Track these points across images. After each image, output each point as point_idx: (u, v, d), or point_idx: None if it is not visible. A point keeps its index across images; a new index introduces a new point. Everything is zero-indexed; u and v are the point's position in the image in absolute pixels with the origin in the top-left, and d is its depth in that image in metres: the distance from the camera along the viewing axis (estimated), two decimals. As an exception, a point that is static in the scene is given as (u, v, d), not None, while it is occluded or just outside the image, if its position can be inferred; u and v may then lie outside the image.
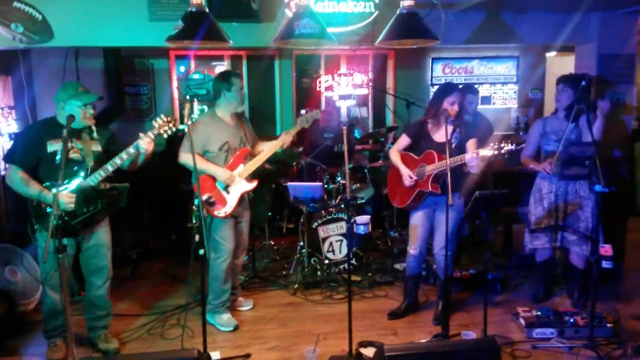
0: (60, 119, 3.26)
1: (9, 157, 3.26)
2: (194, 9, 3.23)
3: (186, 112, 3.10)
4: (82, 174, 3.18)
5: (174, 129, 3.29)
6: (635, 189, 6.90)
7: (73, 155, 3.21)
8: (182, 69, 6.46)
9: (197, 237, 2.85)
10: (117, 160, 3.19)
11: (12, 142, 4.17)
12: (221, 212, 3.70)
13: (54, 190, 3.10)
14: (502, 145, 3.29)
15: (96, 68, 5.96)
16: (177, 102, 6.46)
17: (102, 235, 3.44)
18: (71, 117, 3.12)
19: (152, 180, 5.40)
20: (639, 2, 4.15)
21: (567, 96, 3.92)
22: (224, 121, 3.79)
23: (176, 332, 3.76)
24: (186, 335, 3.63)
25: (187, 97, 6.19)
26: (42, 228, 3.20)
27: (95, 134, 3.32)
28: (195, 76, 6.40)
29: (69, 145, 3.18)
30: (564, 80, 3.99)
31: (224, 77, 3.78)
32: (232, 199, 3.74)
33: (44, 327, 3.47)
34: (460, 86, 3.95)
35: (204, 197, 3.65)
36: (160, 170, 5.75)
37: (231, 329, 3.81)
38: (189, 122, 3.13)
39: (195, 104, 6.28)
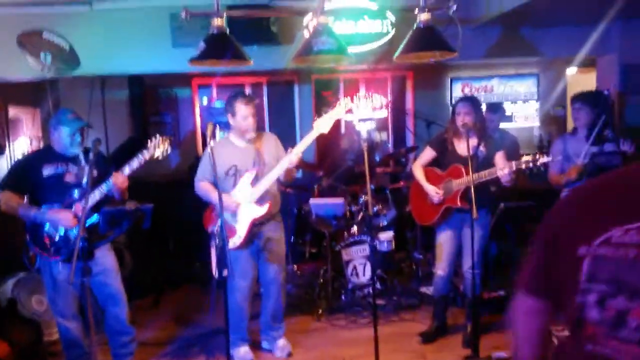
0: (53, 144, 3.30)
1: (1, 184, 3.30)
2: (215, 31, 3.30)
3: (209, 132, 3.02)
4: (77, 197, 3.19)
5: (169, 149, 3.27)
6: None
7: (69, 179, 3.24)
8: (205, 100, 6.57)
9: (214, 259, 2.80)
10: (103, 188, 3.17)
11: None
12: (230, 244, 3.35)
13: (78, 207, 3.13)
14: (537, 157, 3.20)
15: (122, 98, 6.11)
16: (199, 130, 6.56)
17: (108, 259, 3.39)
18: (98, 141, 3.14)
19: (177, 207, 5.44)
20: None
21: (584, 114, 3.82)
22: (235, 144, 3.57)
23: (200, 360, 3.72)
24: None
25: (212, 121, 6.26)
26: (43, 251, 3.20)
27: (91, 160, 3.18)
28: (218, 104, 6.50)
29: (66, 168, 3.24)
30: (580, 98, 3.88)
31: (229, 101, 3.54)
32: (241, 228, 3.42)
33: (66, 357, 3.45)
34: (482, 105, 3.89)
35: (209, 229, 3.52)
36: (184, 197, 5.82)
37: None
38: (212, 143, 3.08)
39: (218, 131, 6.37)
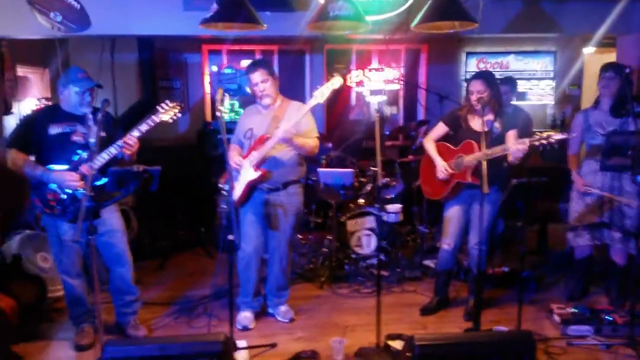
0: (62, 103, 3.29)
1: (8, 142, 3.29)
2: (228, -6, 3.25)
3: (218, 97, 3.03)
4: (85, 157, 3.18)
5: (179, 114, 3.29)
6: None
7: (76, 138, 3.23)
8: (214, 67, 6.50)
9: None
10: (112, 150, 3.16)
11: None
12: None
13: (85, 167, 3.14)
14: (551, 133, 3.13)
15: (131, 61, 6.06)
16: (208, 97, 6.51)
17: (115, 220, 3.41)
18: (107, 102, 3.11)
19: (184, 172, 5.46)
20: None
21: (614, 84, 3.70)
22: (258, 109, 3.68)
23: (203, 322, 3.76)
24: (213, 324, 3.65)
25: (221, 85, 6.20)
26: (51, 211, 3.21)
27: (99, 120, 3.14)
28: (227, 71, 6.44)
29: (73, 127, 3.23)
30: (612, 67, 3.78)
31: (246, 69, 3.65)
32: (238, 188, 3.53)
33: (69, 314, 3.52)
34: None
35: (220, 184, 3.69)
36: (192, 162, 5.83)
37: (240, 327, 3.65)
38: (221, 108, 3.08)
39: (227, 98, 6.33)
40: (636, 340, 3.26)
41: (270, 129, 3.50)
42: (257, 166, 3.49)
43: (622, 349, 3.26)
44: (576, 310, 3.62)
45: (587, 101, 6.84)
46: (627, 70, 3.31)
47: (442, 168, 3.66)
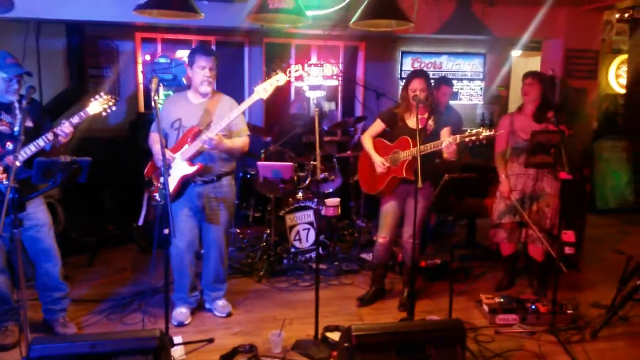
0: None
1: None
2: (164, -20, 3.14)
3: (153, 86, 2.97)
4: (10, 148, 3.02)
5: (113, 108, 3.20)
6: (593, 187, 7.12)
7: (1, 127, 3.06)
8: (148, 56, 6.28)
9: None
10: (39, 142, 3.03)
11: None
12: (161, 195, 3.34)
13: (9, 159, 2.97)
14: (480, 130, 3.28)
15: (58, 48, 5.74)
16: (141, 87, 6.29)
17: (40, 213, 3.25)
18: (32, 88, 2.97)
19: (115, 165, 5.24)
20: (603, -1, 4.28)
21: (535, 90, 3.97)
22: (188, 99, 3.53)
23: (136, 318, 3.65)
24: (147, 321, 3.55)
25: (155, 74, 6.00)
26: None
27: (24, 107, 3.02)
28: (162, 60, 6.24)
29: None
30: (532, 74, 4.04)
31: (192, 51, 3.53)
32: (172, 182, 3.37)
33: None
34: (434, 77, 3.96)
35: (147, 178, 3.57)
36: (123, 154, 5.60)
37: (175, 324, 3.57)
38: (156, 97, 3.01)
39: (161, 89, 6.14)
40: (557, 327, 3.49)
41: (201, 121, 3.43)
42: (191, 160, 3.41)
43: (544, 336, 3.48)
44: (503, 300, 3.81)
45: (513, 101, 7.22)
46: (551, 73, 3.51)
47: (379, 163, 3.75)
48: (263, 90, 3.34)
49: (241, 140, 3.56)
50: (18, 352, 3.08)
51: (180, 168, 3.42)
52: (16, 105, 3.08)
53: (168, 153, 3.37)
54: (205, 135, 3.31)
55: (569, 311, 3.69)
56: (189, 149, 3.39)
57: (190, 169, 3.41)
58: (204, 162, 3.44)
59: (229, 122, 3.37)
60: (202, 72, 3.43)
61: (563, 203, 3.72)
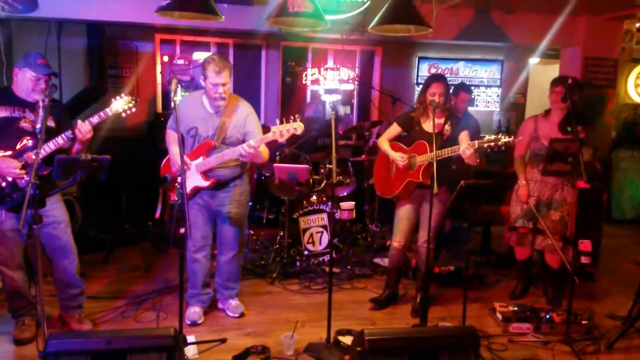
0: (14, 86, 3.17)
1: None
2: (185, -18, 3.19)
3: (173, 87, 3.01)
4: (30, 144, 3.08)
5: (133, 109, 3.22)
6: (610, 196, 7.04)
7: (24, 124, 3.12)
8: (166, 57, 6.34)
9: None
10: (59, 140, 3.08)
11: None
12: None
13: (29, 155, 3.02)
14: (499, 136, 3.26)
15: (79, 48, 5.84)
16: (159, 87, 6.35)
17: (57, 211, 3.29)
18: (54, 87, 3.02)
19: (132, 165, 5.30)
20: (623, 8, 4.23)
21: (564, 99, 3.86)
22: (204, 106, 3.46)
23: (150, 316, 3.68)
24: (161, 319, 3.58)
25: (173, 75, 6.06)
26: None
27: (46, 105, 3.00)
28: (180, 62, 6.30)
29: (22, 113, 3.12)
30: (561, 82, 3.87)
31: (204, 62, 3.37)
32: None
33: (8, 307, 3.37)
34: (453, 83, 3.95)
35: (163, 176, 3.59)
36: (141, 155, 5.66)
37: (189, 323, 3.59)
38: (175, 98, 3.04)
39: (180, 90, 6.19)
40: (572, 337, 3.45)
41: (217, 134, 3.42)
42: (206, 174, 3.45)
43: (558, 346, 3.44)
44: (517, 309, 3.78)
45: (530, 108, 7.17)
46: (570, 81, 3.48)
47: (398, 158, 3.70)
48: (279, 134, 3.21)
49: (266, 152, 3.50)
50: (35, 347, 3.11)
51: (194, 178, 3.46)
52: (41, 105, 3.13)
53: (185, 158, 3.35)
54: (241, 147, 3.25)
55: (583, 321, 3.64)
56: (204, 163, 3.41)
57: (204, 183, 3.45)
58: (217, 179, 3.46)
59: (250, 133, 3.41)
60: (214, 89, 3.34)
61: (580, 212, 3.67)
